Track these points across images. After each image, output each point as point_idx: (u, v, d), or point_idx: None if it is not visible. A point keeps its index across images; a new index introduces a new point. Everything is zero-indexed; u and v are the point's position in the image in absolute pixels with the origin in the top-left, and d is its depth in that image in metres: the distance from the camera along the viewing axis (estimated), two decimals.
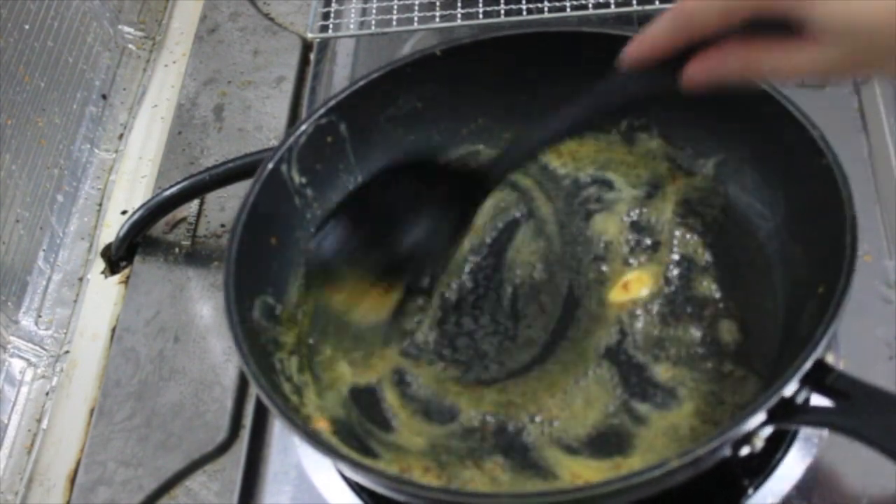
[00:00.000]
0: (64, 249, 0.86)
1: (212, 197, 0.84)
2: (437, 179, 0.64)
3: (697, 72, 0.52)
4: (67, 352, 0.80)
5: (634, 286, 0.68)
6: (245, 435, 0.71)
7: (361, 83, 0.72)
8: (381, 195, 0.64)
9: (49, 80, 0.88)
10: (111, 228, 0.85)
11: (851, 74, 0.50)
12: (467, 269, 0.71)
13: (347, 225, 0.63)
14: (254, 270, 0.65)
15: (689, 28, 0.51)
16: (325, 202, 0.73)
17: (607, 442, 0.61)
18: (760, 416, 0.52)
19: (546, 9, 0.91)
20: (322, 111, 0.71)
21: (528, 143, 0.63)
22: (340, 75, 0.92)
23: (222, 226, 0.83)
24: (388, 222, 0.64)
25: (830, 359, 0.65)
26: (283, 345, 0.66)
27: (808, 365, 0.52)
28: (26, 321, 0.81)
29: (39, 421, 0.76)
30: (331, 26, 0.95)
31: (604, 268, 0.70)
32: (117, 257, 0.83)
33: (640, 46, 0.54)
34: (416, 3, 0.93)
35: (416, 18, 0.92)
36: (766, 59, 0.50)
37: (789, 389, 0.52)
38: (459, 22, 0.92)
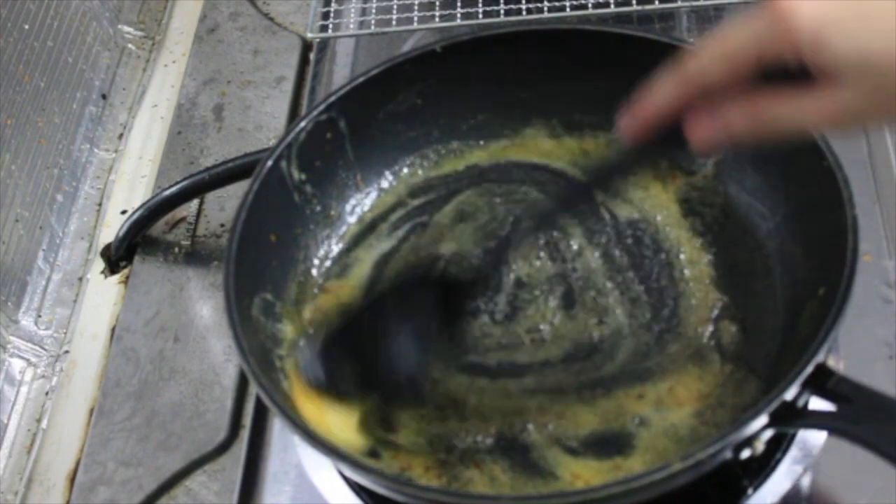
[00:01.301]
0: (64, 249, 0.86)
1: (211, 197, 0.84)
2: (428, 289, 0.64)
3: (704, 135, 0.49)
4: (67, 352, 0.80)
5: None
6: (245, 435, 0.71)
7: (361, 79, 0.71)
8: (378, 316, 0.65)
9: (49, 79, 0.88)
10: (111, 228, 0.85)
11: (871, 118, 0.46)
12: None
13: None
14: (253, 268, 0.65)
15: (692, 87, 0.48)
16: (324, 198, 0.73)
17: (608, 443, 0.61)
18: (762, 420, 0.52)
19: (546, 8, 0.91)
20: (321, 108, 0.71)
21: (507, 243, 0.64)
22: (340, 75, 0.92)
23: (222, 225, 0.83)
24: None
25: (830, 359, 0.65)
26: (282, 342, 0.66)
27: (809, 369, 0.52)
28: (26, 321, 0.81)
29: (39, 421, 0.76)
30: (330, 26, 0.95)
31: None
32: (117, 257, 0.83)
33: (643, 114, 0.50)
34: (416, 2, 0.93)
35: (415, 18, 0.92)
36: (777, 111, 0.47)
37: (790, 393, 0.52)
38: (459, 22, 0.92)
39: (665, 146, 0.52)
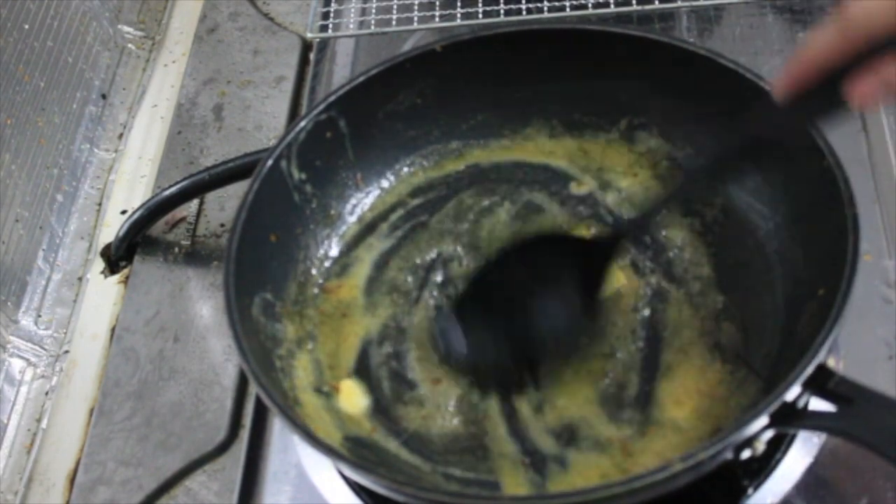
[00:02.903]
0: (63, 249, 0.86)
1: (211, 196, 0.84)
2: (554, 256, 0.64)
3: (866, 89, 0.46)
4: (67, 351, 0.80)
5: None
6: (245, 435, 0.71)
7: (361, 79, 0.71)
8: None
9: (49, 79, 0.88)
10: (111, 228, 0.85)
11: None
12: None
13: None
14: (253, 268, 0.65)
15: (857, 37, 0.45)
16: (324, 198, 0.73)
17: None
18: (762, 420, 0.52)
19: (546, 8, 0.91)
20: (321, 107, 0.71)
21: (649, 209, 0.62)
22: (340, 75, 0.92)
23: (222, 225, 0.83)
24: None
25: (830, 359, 0.65)
26: (282, 342, 0.66)
27: (809, 370, 0.52)
28: (26, 321, 0.81)
29: (39, 421, 0.76)
30: (330, 26, 0.95)
31: None
32: (117, 257, 0.83)
33: (803, 65, 0.48)
34: (416, 2, 0.93)
35: (415, 18, 0.93)
36: None
37: (791, 394, 0.52)
38: (459, 22, 0.92)
39: (821, 103, 0.49)
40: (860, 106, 0.47)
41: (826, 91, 0.48)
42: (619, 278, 0.68)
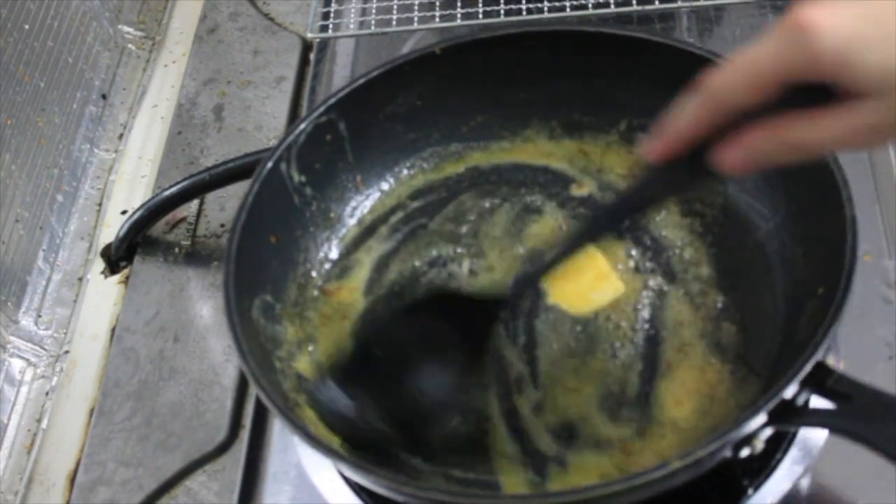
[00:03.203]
0: (64, 249, 0.86)
1: (212, 197, 0.84)
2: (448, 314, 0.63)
3: (732, 159, 0.47)
4: (67, 352, 0.80)
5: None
6: (245, 435, 0.71)
7: (361, 81, 0.71)
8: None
9: (49, 80, 0.88)
10: (111, 228, 0.85)
11: None
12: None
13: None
14: (253, 269, 0.65)
15: (718, 109, 0.46)
16: (324, 200, 0.73)
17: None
18: (761, 418, 0.52)
19: (546, 9, 0.91)
20: (321, 109, 0.71)
21: (538, 267, 0.62)
22: (340, 75, 0.92)
23: (222, 226, 0.83)
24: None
25: (830, 359, 0.65)
26: (282, 344, 0.66)
27: (808, 367, 0.52)
28: (26, 321, 0.81)
29: (39, 421, 0.76)
30: (330, 26, 0.95)
31: None
32: (117, 257, 0.83)
33: (668, 138, 0.49)
34: (416, 3, 0.93)
35: (415, 18, 0.93)
36: (804, 133, 0.45)
37: (790, 392, 0.52)
38: (459, 22, 0.92)
39: (689, 171, 0.51)
40: (730, 174, 0.48)
41: (694, 160, 0.49)
42: (616, 287, 0.68)
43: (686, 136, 0.49)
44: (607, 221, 0.58)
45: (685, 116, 0.48)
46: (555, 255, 0.60)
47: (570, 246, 0.59)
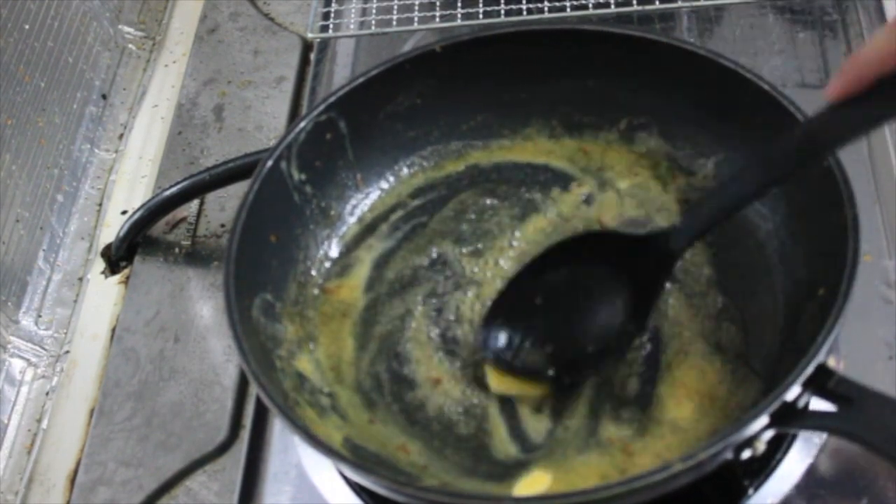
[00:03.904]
0: (64, 249, 0.86)
1: (212, 197, 0.84)
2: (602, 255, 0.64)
3: None
4: (67, 352, 0.80)
5: None
6: (245, 435, 0.71)
7: (361, 80, 0.71)
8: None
9: (49, 80, 0.88)
10: (111, 228, 0.85)
11: None
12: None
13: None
14: (253, 269, 0.65)
15: None
16: (324, 199, 0.73)
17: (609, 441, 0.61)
18: (763, 421, 0.52)
19: (546, 8, 0.91)
20: (321, 108, 0.71)
21: (716, 203, 0.61)
22: (340, 75, 0.92)
23: (222, 226, 0.83)
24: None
25: (831, 360, 0.65)
26: (282, 342, 0.66)
27: (809, 370, 0.52)
28: (26, 321, 0.81)
29: (39, 421, 0.76)
30: (331, 26, 0.95)
31: None
32: (117, 257, 0.83)
33: (857, 68, 0.47)
34: (416, 3, 0.93)
35: (416, 18, 0.93)
36: None
37: (791, 394, 0.52)
38: (459, 22, 0.92)
39: (871, 107, 0.49)
40: None
41: (881, 95, 0.48)
42: None
43: (877, 67, 0.47)
44: (784, 161, 0.55)
45: (880, 43, 0.47)
46: (720, 205, 0.60)
47: (744, 195, 0.58)
